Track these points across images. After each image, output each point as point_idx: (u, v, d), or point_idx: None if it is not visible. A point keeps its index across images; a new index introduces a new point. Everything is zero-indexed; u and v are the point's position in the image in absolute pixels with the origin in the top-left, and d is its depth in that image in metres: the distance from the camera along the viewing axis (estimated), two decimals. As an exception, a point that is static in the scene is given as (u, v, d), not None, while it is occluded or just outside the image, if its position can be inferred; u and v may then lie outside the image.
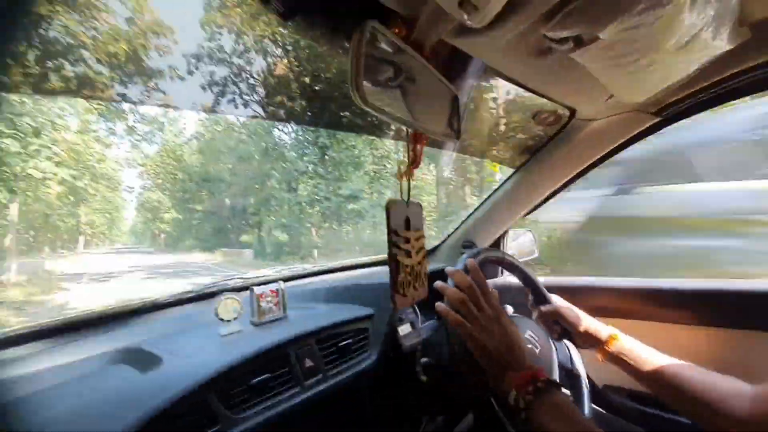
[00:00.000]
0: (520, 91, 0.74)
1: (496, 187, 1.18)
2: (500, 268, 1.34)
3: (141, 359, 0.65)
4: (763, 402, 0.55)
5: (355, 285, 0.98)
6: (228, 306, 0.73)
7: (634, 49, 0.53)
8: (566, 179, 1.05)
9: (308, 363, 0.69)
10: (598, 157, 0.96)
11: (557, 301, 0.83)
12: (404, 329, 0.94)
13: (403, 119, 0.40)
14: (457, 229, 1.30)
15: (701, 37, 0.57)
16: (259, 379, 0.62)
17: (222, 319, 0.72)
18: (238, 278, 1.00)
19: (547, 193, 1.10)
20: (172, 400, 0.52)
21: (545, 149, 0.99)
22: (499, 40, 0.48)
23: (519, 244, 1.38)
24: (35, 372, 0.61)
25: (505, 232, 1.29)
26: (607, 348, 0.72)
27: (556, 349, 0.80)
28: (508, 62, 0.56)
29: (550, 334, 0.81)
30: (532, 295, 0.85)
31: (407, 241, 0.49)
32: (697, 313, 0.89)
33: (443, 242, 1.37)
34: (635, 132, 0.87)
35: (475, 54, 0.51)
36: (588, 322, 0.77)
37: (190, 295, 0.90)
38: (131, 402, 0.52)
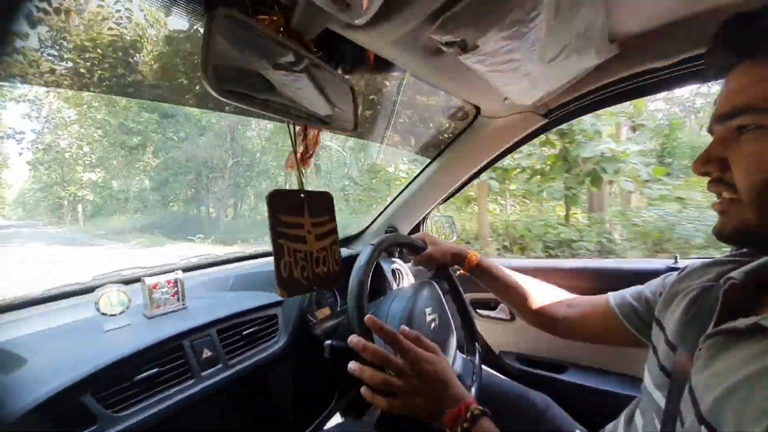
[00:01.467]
0: (432, 89, 0.77)
1: (414, 175, 1.23)
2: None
3: (1, 360, 0.57)
4: (580, 308, 0.74)
5: (265, 272, 0.96)
6: (112, 299, 0.67)
7: (511, 58, 0.59)
8: (475, 169, 1.14)
9: (206, 353, 0.67)
10: (501, 151, 1.06)
11: (427, 240, 0.89)
12: (322, 313, 0.96)
13: (281, 111, 0.39)
14: (379, 215, 1.34)
15: (570, 51, 0.65)
16: (145, 374, 0.58)
17: (104, 314, 0.66)
18: (135, 268, 0.92)
19: (459, 182, 1.19)
20: (34, 403, 0.47)
21: (456, 142, 1.06)
22: (389, 36, 0.49)
23: (438, 228, 1.47)
24: None
25: (425, 218, 1.37)
26: (468, 264, 0.85)
27: (453, 324, 0.88)
28: (405, 58, 0.58)
29: (430, 271, 0.90)
30: (407, 249, 0.89)
31: (297, 226, 0.50)
32: (570, 286, 1.06)
33: (367, 228, 1.40)
34: (529, 131, 0.97)
35: (367, 46, 0.52)
36: (453, 249, 0.88)
37: (71, 289, 0.80)
38: None
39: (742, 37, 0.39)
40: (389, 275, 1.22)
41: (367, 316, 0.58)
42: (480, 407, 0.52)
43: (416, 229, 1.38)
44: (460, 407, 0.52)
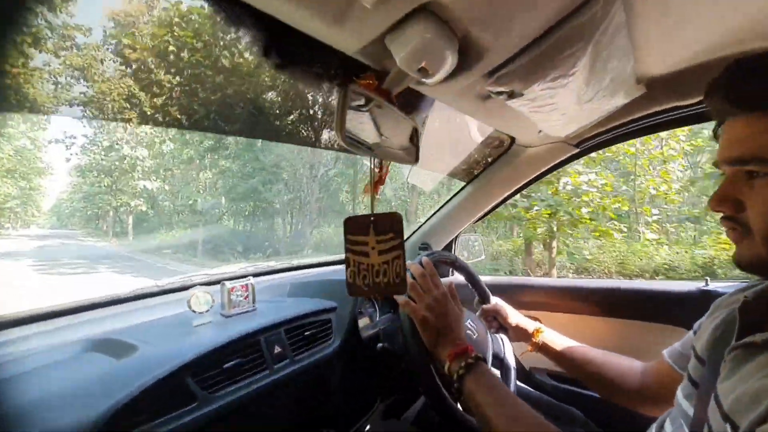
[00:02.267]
0: (471, 121, 0.88)
1: (449, 197, 1.33)
2: (450, 269, 1.49)
3: (115, 348, 0.69)
4: (649, 375, 0.74)
5: (320, 281, 1.07)
6: (200, 299, 0.79)
7: (550, 102, 0.69)
8: (507, 194, 1.23)
9: (277, 349, 0.77)
10: (533, 177, 1.14)
11: (496, 300, 0.99)
12: (363, 321, 1.05)
13: (372, 152, 0.50)
14: (414, 232, 1.44)
15: (603, 94, 0.74)
16: (232, 363, 0.69)
17: (194, 311, 0.78)
18: (204, 274, 1.05)
19: (491, 205, 1.27)
20: (153, 380, 0.58)
21: (491, 168, 1.15)
22: (451, 89, 0.60)
23: (469, 247, 1.55)
24: (6, 359, 0.63)
25: (457, 237, 1.45)
26: (533, 339, 0.89)
27: (491, 339, 0.96)
28: (459, 103, 0.69)
29: (489, 327, 0.96)
30: (476, 294, 1.00)
31: (362, 243, 0.60)
32: (600, 307, 1.11)
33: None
34: (560, 159, 1.06)
35: (434, 96, 0.63)
36: (519, 319, 0.93)
37: (159, 289, 0.94)
38: (109, 384, 0.57)
39: (740, 90, 0.41)
40: None
41: (424, 258, 0.79)
42: (479, 354, 0.64)
43: (448, 246, 1.46)
44: (465, 348, 0.65)
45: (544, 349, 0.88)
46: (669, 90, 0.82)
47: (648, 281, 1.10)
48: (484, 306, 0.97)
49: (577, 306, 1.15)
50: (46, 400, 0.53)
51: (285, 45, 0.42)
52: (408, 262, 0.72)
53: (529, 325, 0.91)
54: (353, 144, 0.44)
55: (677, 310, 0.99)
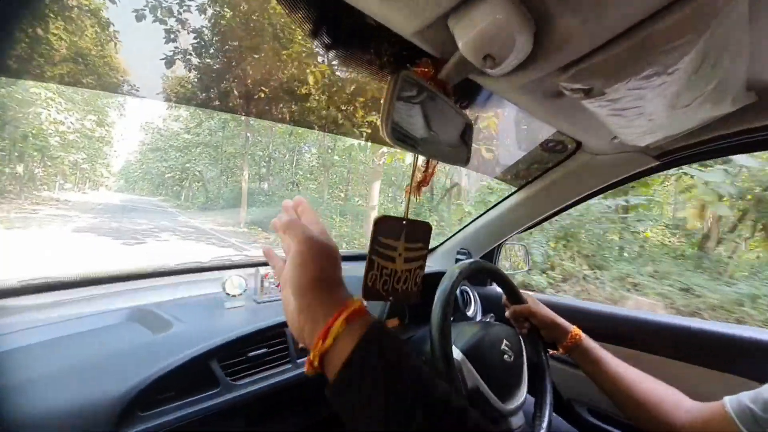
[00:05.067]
0: (530, 120, 0.78)
1: (496, 201, 1.23)
2: (488, 279, 1.40)
3: (152, 320, 0.71)
4: (698, 418, 0.64)
5: (353, 276, 1.04)
6: (234, 282, 0.80)
7: (638, 104, 0.58)
8: (564, 204, 1.10)
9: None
10: (598, 188, 1.01)
11: (530, 300, 0.89)
12: (391, 322, 1.01)
13: (419, 149, 0.45)
14: (453, 235, 1.36)
15: (704, 99, 0.61)
16: (256, 352, 0.69)
17: (228, 294, 0.79)
18: (244, 256, 1.07)
19: (544, 215, 1.16)
20: (180, 362, 0.58)
21: (549, 174, 1.04)
22: (516, 83, 0.53)
23: (513, 256, 1.44)
24: (51, 321, 0.67)
25: (500, 245, 1.35)
26: (569, 343, 0.80)
27: (527, 357, 0.87)
28: (523, 100, 0.61)
29: (519, 330, 0.88)
30: (506, 295, 0.91)
31: (392, 248, 0.55)
32: (658, 345, 0.96)
33: (439, 245, 1.43)
34: (635, 171, 0.92)
35: (494, 91, 0.56)
36: (556, 320, 0.84)
37: (198, 265, 0.97)
38: (143, 358, 0.59)
39: None
40: (458, 297, 1.23)
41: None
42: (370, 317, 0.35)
43: (489, 255, 1.37)
44: (358, 308, 0.36)
45: (579, 354, 0.79)
46: None
47: (722, 323, 0.93)
48: (515, 306, 0.88)
49: (627, 338, 1.01)
50: (80, 367, 0.55)
51: (336, 23, 0.38)
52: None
53: (567, 326, 0.82)
54: (399, 139, 0.38)
55: (751, 358, 0.83)
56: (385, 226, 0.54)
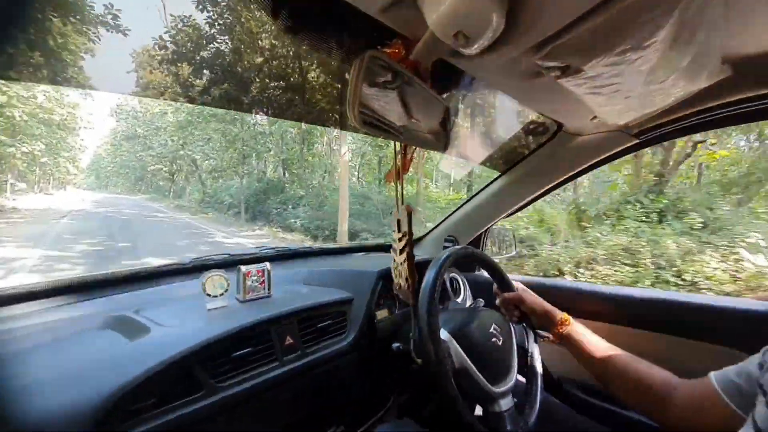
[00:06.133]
0: (511, 103, 0.77)
1: (480, 188, 1.23)
2: (476, 265, 1.40)
3: (128, 326, 0.68)
4: (685, 394, 0.65)
5: (338, 271, 1.03)
6: (215, 282, 0.77)
7: (615, 81, 0.57)
8: (548, 186, 1.10)
9: (288, 340, 0.74)
10: (580, 168, 1.02)
11: (520, 287, 0.90)
12: (381, 313, 1.01)
13: (395, 135, 0.43)
14: (440, 223, 1.35)
15: (681, 73, 0.61)
16: (241, 352, 0.67)
17: (209, 294, 0.76)
18: (225, 254, 1.04)
19: (529, 198, 1.16)
20: (159, 367, 0.56)
21: (531, 157, 1.04)
22: (492, 63, 0.51)
23: (499, 241, 1.45)
24: (22, 332, 0.64)
25: (487, 230, 1.35)
26: (559, 330, 0.80)
27: (517, 342, 0.87)
28: (500, 81, 0.59)
29: (510, 317, 0.88)
30: (497, 283, 0.91)
31: (395, 240, 0.54)
32: (642, 318, 0.98)
33: (427, 234, 1.42)
34: (615, 150, 0.92)
35: (470, 72, 0.54)
36: (545, 307, 0.85)
37: (175, 267, 0.94)
38: (119, 365, 0.56)
39: None
40: (447, 284, 1.23)
41: None
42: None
43: (476, 241, 1.37)
44: None
45: (569, 340, 0.80)
46: (760, 74, 0.67)
47: (702, 295, 0.95)
48: (506, 294, 0.88)
49: (615, 315, 1.03)
50: (56, 376, 0.53)
51: (299, 2, 0.36)
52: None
53: (556, 313, 0.83)
54: (370, 124, 0.37)
55: (738, 330, 0.85)
56: (395, 219, 0.52)
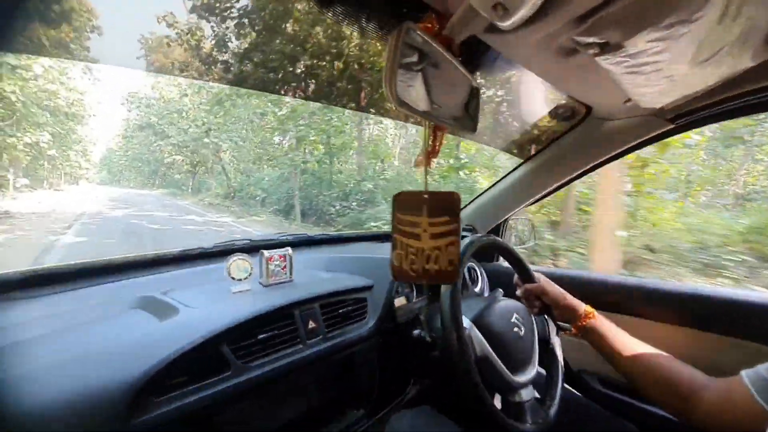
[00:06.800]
0: (536, 86, 0.75)
1: (502, 175, 1.20)
2: (496, 254, 1.38)
3: (158, 307, 0.70)
4: (714, 392, 0.62)
5: (358, 257, 1.03)
6: (239, 266, 0.78)
7: (657, 59, 0.54)
8: (575, 174, 1.07)
9: (311, 324, 0.75)
10: (610, 155, 0.98)
11: (541, 279, 0.88)
12: (398, 301, 1.01)
13: (427, 114, 0.42)
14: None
15: (726, 52, 0.57)
16: (266, 334, 0.68)
17: (233, 278, 0.78)
18: (246, 239, 1.05)
19: (554, 186, 1.12)
20: (190, 346, 0.58)
21: (557, 143, 1.00)
22: (527, 39, 0.49)
23: (518, 231, 1.42)
24: (55, 313, 0.66)
25: (506, 220, 1.33)
26: (582, 322, 0.78)
27: (538, 333, 0.86)
28: (533, 60, 0.57)
29: (531, 309, 0.87)
30: (518, 274, 0.90)
31: (414, 225, 0.52)
32: (673, 314, 0.95)
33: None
34: (648, 136, 0.88)
35: (502, 51, 0.52)
36: (568, 299, 0.83)
37: (200, 251, 0.95)
38: (153, 344, 0.58)
39: None
40: (465, 273, 1.22)
41: None
42: None
43: (496, 230, 1.35)
44: None
45: (593, 335, 0.77)
46: None
47: (731, 289, 0.90)
48: (527, 285, 0.87)
49: (639, 308, 1.00)
50: (88, 356, 0.54)
51: None
52: None
53: (579, 306, 0.81)
54: (406, 103, 0.35)
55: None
56: (403, 201, 0.51)
